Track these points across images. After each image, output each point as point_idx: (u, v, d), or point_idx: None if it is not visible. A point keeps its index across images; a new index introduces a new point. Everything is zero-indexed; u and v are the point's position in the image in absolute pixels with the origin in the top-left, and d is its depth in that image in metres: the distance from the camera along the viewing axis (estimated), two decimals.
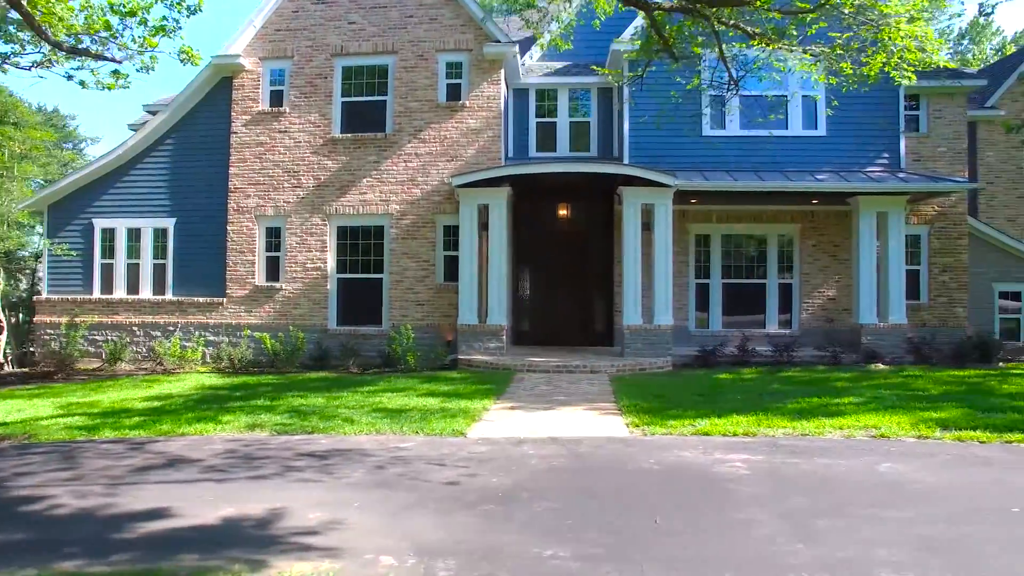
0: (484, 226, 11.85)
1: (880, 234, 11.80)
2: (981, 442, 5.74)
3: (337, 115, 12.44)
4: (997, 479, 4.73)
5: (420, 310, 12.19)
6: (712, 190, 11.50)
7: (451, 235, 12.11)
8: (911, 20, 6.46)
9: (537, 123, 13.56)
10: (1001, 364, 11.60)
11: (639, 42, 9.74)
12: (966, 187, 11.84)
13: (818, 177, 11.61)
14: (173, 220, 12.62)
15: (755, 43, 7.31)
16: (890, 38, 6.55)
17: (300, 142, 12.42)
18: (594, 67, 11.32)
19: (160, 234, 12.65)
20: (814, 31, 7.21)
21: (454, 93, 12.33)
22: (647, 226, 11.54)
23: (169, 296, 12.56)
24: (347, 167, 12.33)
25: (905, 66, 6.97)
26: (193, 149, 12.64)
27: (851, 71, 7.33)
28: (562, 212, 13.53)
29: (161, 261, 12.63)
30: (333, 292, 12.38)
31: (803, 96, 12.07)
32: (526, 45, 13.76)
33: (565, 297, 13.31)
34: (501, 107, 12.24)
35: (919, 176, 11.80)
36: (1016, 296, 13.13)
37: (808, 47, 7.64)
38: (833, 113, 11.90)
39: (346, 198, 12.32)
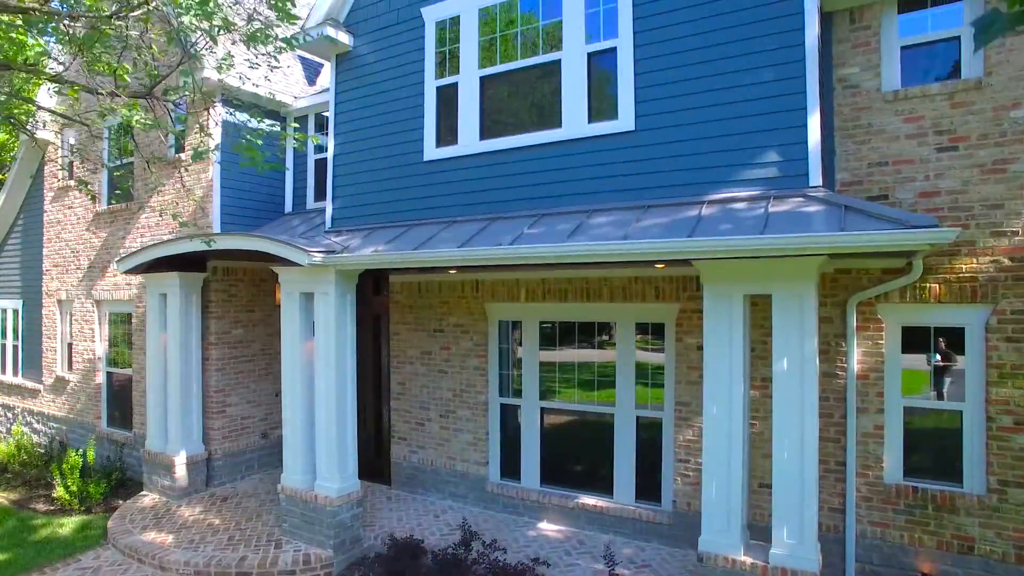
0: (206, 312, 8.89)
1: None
2: None
3: (105, 184, 10.81)
4: None
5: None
6: (386, 265, 6.39)
7: None
8: None
9: (316, 161, 9.81)
10: None
11: None
12: None
13: (640, 226, 5.46)
14: (20, 302, 12.65)
15: None
16: None
17: (81, 218, 11.15)
18: None
19: (14, 314, 12.81)
20: None
21: (181, 142, 9.57)
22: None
23: (17, 379, 12.61)
24: (107, 244, 10.60)
25: None
26: (34, 227, 12.46)
27: None
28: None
29: (15, 342, 12.78)
30: (104, 387, 10.79)
31: (591, 54, 5.96)
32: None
33: None
34: (217, 154, 9.02)
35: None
36: None
37: None
38: (650, 83, 5.84)
39: (105, 280, 10.61)
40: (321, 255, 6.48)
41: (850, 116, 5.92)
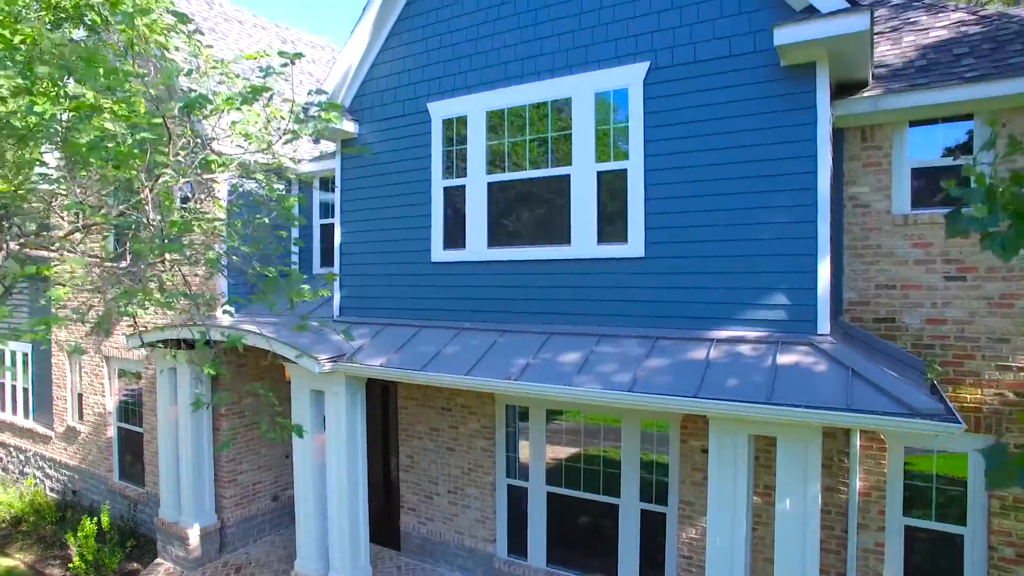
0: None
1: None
2: None
3: (112, 240, 10.83)
4: None
5: None
6: (393, 379, 6.47)
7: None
8: None
9: (322, 226, 9.82)
10: None
11: None
12: None
13: (648, 367, 5.51)
14: (30, 345, 12.75)
15: None
16: None
17: (92, 270, 11.18)
18: None
19: (24, 358, 12.93)
20: None
21: (186, 201, 9.57)
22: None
23: (29, 422, 12.78)
24: (118, 299, 10.66)
25: None
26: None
27: None
28: None
29: (25, 385, 12.92)
30: (115, 441, 10.95)
31: (601, 173, 5.95)
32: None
33: None
34: (222, 219, 9.03)
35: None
36: None
37: None
38: (661, 211, 5.85)
39: (115, 337, 10.71)
40: (330, 363, 6.56)
41: (859, 236, 5.93)
